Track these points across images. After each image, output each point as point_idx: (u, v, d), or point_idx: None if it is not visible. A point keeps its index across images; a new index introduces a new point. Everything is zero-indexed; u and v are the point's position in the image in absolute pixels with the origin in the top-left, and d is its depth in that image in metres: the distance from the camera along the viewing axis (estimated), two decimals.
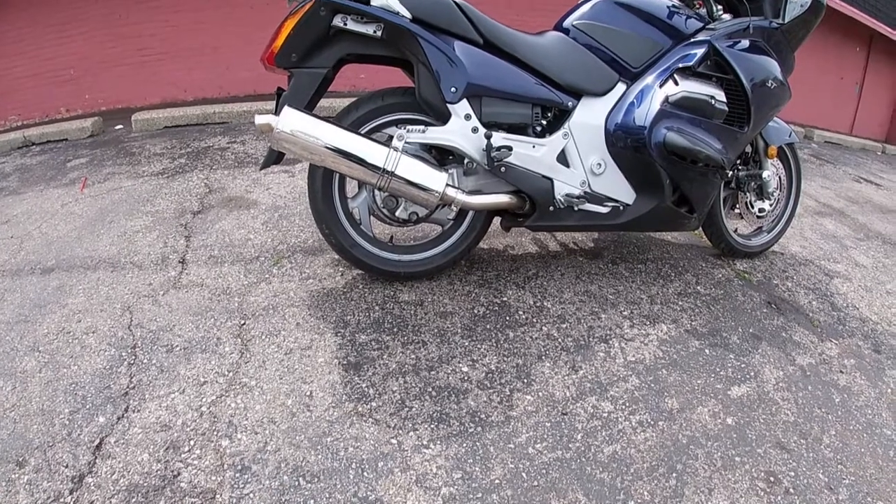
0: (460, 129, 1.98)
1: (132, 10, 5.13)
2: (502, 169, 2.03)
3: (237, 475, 1.41)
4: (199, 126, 4.44)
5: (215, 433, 1.53)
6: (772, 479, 1.56)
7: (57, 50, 5.10)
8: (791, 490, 1.53)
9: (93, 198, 3.08)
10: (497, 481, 1.45)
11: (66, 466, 1.43)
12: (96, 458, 1.45)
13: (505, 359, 1.89)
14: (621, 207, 2.20)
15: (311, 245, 2.53)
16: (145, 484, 1.38)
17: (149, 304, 2.09)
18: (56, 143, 4.31)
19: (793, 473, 1.59)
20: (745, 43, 2.28)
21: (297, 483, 1.40)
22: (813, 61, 7.01)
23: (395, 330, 1.98)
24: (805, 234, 3.38)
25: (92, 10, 5.06)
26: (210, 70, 5.28)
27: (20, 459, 1.45)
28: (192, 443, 1.50)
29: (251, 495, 1.36)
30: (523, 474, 1.48)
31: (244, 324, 1.98)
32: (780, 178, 2.79)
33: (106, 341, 1.89)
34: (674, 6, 2.24)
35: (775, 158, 2.68)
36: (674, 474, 1.53)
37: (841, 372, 2.08)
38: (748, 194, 2.66)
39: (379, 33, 1.88)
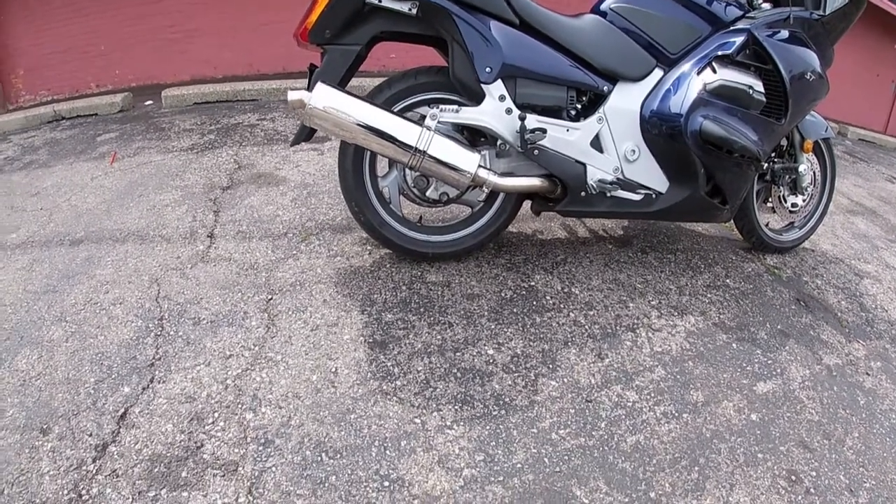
0: (494, 110, 1.96)
1: None
2: (535, 152, 2.01)
3: (260, 448, 1.42)
4: (229, 103, 4.45)
5: (240, 406, 1.54)
6: (793, 477, 1.54)
7: (87, 26, 5.12)
8: (812, 490, 1.51)
9: (122, 171, 3.10)
10: (519, 465, 1.45)
11: (90, 435, 1.45)
12: (120, 427, 1.47)
13: (531, 343, 1.88)
14: (654, 195, 2.17)
15: (339, 223, 2.53)
16: (168, 454, 1.40)
17: (176, 276, 2.11)
18: (86, 118, 4.34)
19: (814, 473, 1.57)
20: (785, 33, 2.23)
21: (319, 458, 1.41)
22: (849, 57, 6.85)
23: (422, 310, 1.98)
24: (836, 232, 3.32)
25: None
26: (240, 47, 5.27)
27: (44, 427, 1.47)
28: (216, 415, 1.51)
29: (273, 469, 1.37)
30: (545, 459, 1.47)
31: (271, 299, 1.99)
32: (814, 173, 2.73)
33: (133, 312, 1.91)
34: None
35: (811, 153, 2.63)
36: (696, 467, 1.52)
37: (867, 374, 2.05)
38: (782, 188, 2.62)
39: (414, 11, 1.86)
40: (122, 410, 1.52)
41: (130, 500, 1.28)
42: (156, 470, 1.35)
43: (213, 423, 1.49)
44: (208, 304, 1.95)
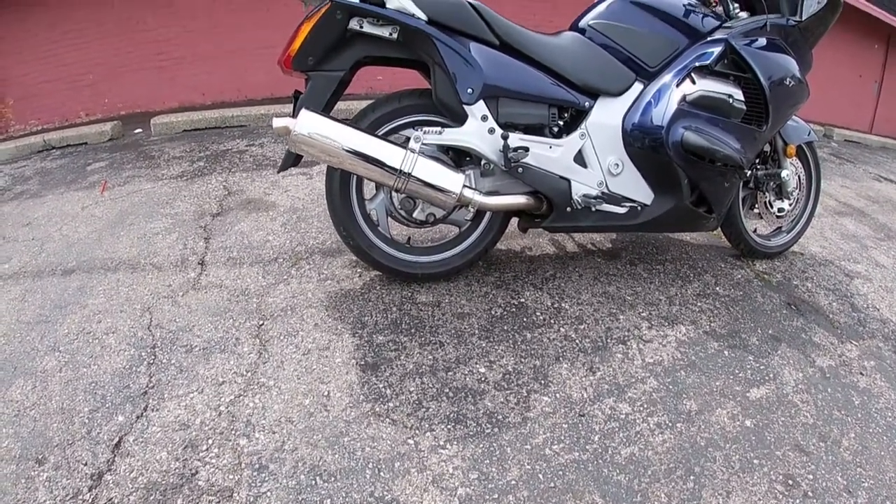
0: (477, 131, 1.98)
1: (149, 16, 5.19)
2: (519, 170, 2.03)
3: (254, 474, 1.42)
4: (218, 129, 4.48)
5: (233, 432, 1.54)
6: (790, 482, 1.54)
7: (76, 55, 5.16)
8: (809, 493, 1.51)
9: (113, 200, 3.12)
10: (513, 482, 1.45)
11: (86, 464, 1.45)
12: (115, 456, 1.47)
13: (522, 360, 1.88)
14: (639, 208, 2.19)
15: (329, 246, 2.54)
16: (163, 482, 1.40)
17: (168, 304, 2.11)
18: (76, 147, 4.36)
19: (811, 476, 1.57)
20: (763, 41, 2.26)
21: (313, 482, 1.41)
22: (831, 59, 6.93)
23: (413, 331, 1.99)
24: (825, 234, 3.34)
25: (110, 16, 5.13)
26: (228, 73, 5.32)
27: (40, 457, 1.47)
28: (210, 442, 1.51)
29: (268, 494, 1.37)
30: (540, 475, 1.47)
31: (262, 324, 1.99)
32: (799, 177, 2.76)
33: (126, 341, 1.92)
34: (690, 4, 2.23)
35: (794, 157, 2.65)
36: (691, 477, 1.52)
37: (861, 374, 2.05)
38: (767, 194, 2.63)
39: (395, 36, 1.88)
40: (117, 439, 1.52)
41: None
42: (151, 498, 1.35)
43: (207, 449, 1.49)
44: (200, 332, 1.95)
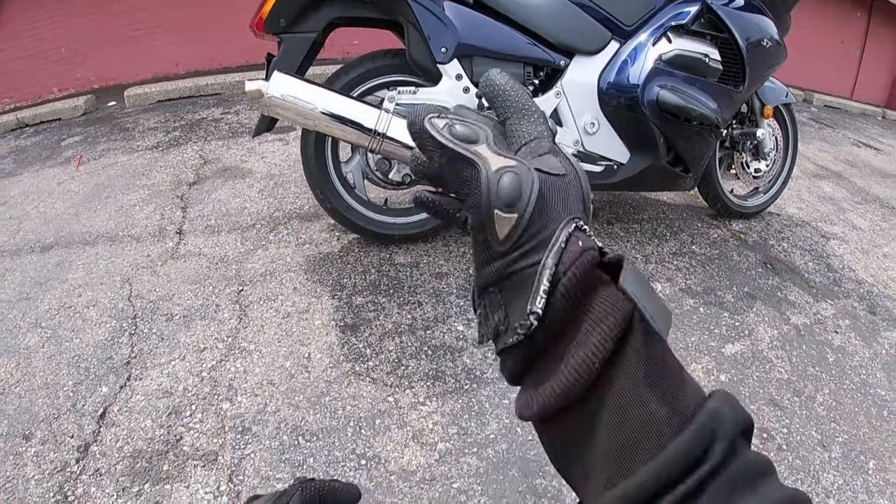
0: (451, 90, 1.97)
1: None
2: None
3: (238, 437, 1.44)
4: (192, 98, 4.42)
5: (216, 397, 1.56)
6: (765, 435, 1.58)
7: (47, 30, 5.03)
8: (784, 446, 1.55)
9: (88, 175, 3.08)
10: (492, 436, 1.48)
11: (72, 437, 1.46)
12: (101, 426, 1.48)
13: None
14: (615, 167, 2.20)
15: (306, 211, 2.53)
16: (149, 449, 1.41)
17: (148, 275, 2.10)
18: (49, 124, 4.29)
19: (786, 430, 1.61)
20: (740, 1, 2.26)
21: (296, 442, 1.43)
22: (813, 25, 6.92)
23: (391, 291, 2.00)
24: (802, 196, 3.38)
25: None
26: (201, 42, 5.21)
27: (26, 433, 1.48)
28: (193, 407, 1.53)
29: (252, 455, 1.39)
30: (518, 429, 1.50)
31: (242, 290, 2.00)
32: (776, 138, 2.78)
33: (107, 313, 1.91)
34: None
35: (771, 118, 2.67)
36: None
37: (836, 332, 2.09)
38: (744, 154, 2.65)
39: None
40: (102, 410, 1.53)
41: (115, 496, 1.30)
42: (138, 465, 1.37)
43: (190, 415, 1.50)
44: (180, 300, 1.95)
